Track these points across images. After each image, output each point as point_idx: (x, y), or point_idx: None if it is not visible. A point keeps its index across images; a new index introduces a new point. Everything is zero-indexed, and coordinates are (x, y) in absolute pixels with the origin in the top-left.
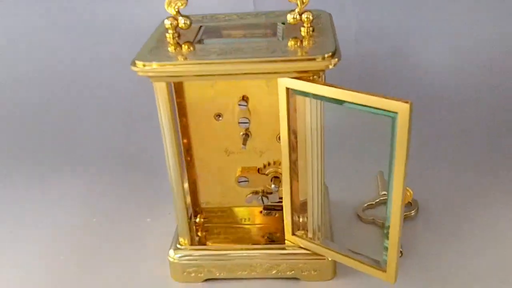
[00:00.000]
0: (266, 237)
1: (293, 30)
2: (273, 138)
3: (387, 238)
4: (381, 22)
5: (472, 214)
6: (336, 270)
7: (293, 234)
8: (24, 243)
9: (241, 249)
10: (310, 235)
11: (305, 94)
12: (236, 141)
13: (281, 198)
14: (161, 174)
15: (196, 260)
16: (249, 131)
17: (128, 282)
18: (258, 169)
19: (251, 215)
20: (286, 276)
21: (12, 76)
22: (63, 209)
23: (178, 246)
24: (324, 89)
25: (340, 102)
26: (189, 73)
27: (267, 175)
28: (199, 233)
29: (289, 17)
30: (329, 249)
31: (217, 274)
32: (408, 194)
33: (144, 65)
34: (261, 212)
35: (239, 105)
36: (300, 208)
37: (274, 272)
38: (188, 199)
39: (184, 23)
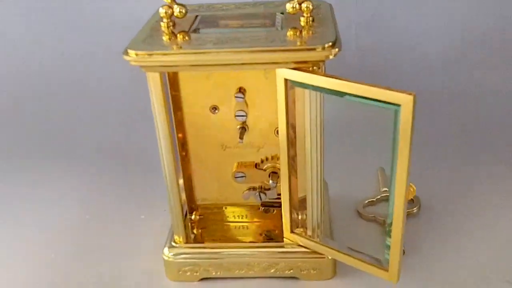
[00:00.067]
0: (264, 235)
1: (292, 20)
2: (271, 132)
3: (389, 236)
4: (381, 14)
5: (475, 211)
6: (336, 269)
7: (292, 231)
8: (16, 241)
9: (238, 247)
10: (309, 232)
11: (304, 85)
12: (232, 135)
13: (279, 194)
14: (156, 169)
15: (191, 258)
16: (246, 125)
17: (121, 281)
18: (256, 164)
19: (248, 212)
20: (284, 275)
21: (7, 72)
22: (55, 206)
23: (173, 244)
24: (324, 81)
25: (341, 94)
26: (184, 63)
27: (264, 170)
28: (194, 231)
29: (288, 7)
30: (328, 247)
31: (213, 273)
32: (411, 190)
33: (136, 54)
34: (258, 209)
35: (236, 97)
36: (299, 204)
37: (272, 271)
38: (183, 196)
39: (180, 11)
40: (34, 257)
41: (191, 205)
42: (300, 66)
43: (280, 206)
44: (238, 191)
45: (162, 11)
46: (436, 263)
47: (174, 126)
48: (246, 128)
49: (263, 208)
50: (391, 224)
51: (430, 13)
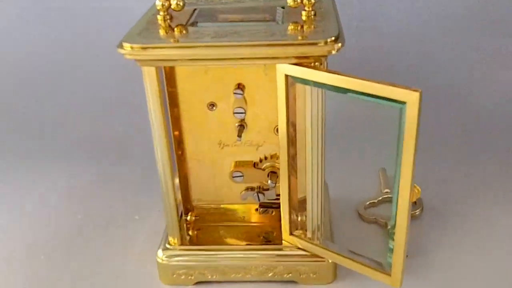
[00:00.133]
0: (262, 237)
1: (293, 14)
2: (271, 130)
3: (392, 239)
4: (383, 9)
5: (479, 213)
6: (336, 272)
7: (291, 234)
8: (4, 240)
9: (235, 250)
10: (309, 235)
11: (305, 82)
12: (230, 133)
13: (278, 195)
14: (151, 167)
15: (186, 261)
16: (245, 122)
17: (114, 285)
18: (254, 163)
19: (246, 213)
20: (283, 279)
21: None
22: (44, 205)
23: (167, 246)
24: (326, 77)
25: (344, 91)
26: (180, 57)
27: (263, 170)
28: (190, 232)
29: (289, 0)
30: (329, 250)
31: (209, 277)
32: (416, 191)
33: (131, 48)
34: (256, 210)
35: (235, 93)
36: (298, 206)
37: (270, 274)
38: (179, 196)
39: (177, 4)
40: (22, 258)
41: (187, 205)
42: (301, 61)
43: (279, 207)
44: (235, 191)
45: (158, 3)
46: (439, 266)
47: (170, 123)
48: (245, 126)
49: (261, 209)
50: (394, 226)
51: (432, 8)
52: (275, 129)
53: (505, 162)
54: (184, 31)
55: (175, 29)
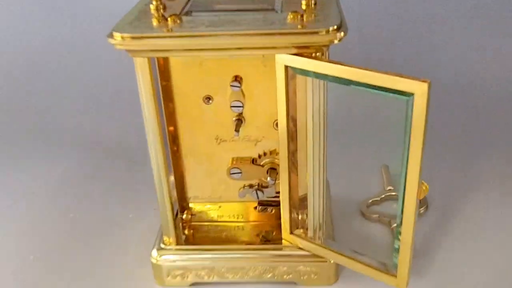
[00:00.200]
0: (261, 236)
1: (292, 4)
2: (270, 125)
3: (398, 238)
4: (383, 9)
5: (485, 211)
6: (338, 273)
7: (291, 233)
8: None
9: (233, 250)
10: (310, 234)
11: (306, 73)
12: (228, 128)
13: (278, 192)
14: (145, 165)
15: (182, 261)
16: (243, 116)
17: (106, 286)
18: (253, 159)
19: (244, 212)
20: (282, 281)
21: None
22: (36, 203)
23: (162, 245)
24: (328, 67)
25: (347, 82)
26: (174, 47)
27: (262, 166)
28: (185, 232)
29: None
30: (330, 249)
31: (206, 278)
32: (424, 188)
33: (122, 37)
34: (255, 208)
35: (232, 86)
36: (299, 204)
37: (269, 275)
38: (174, 193)
39: None
40: (13, 258)
41: (183, 203)
42: (301, 51)
43: (279, 205)
44: (233, 188)
45: None
46: (445, 266)
47: (165, 118)
48: (243, 120)
49: (260, 207)
50: (400, 225)
51: (436, 3)
52: (275, 123)
53: (509, 161)
54: (178, 21)
55: (169, 18)
